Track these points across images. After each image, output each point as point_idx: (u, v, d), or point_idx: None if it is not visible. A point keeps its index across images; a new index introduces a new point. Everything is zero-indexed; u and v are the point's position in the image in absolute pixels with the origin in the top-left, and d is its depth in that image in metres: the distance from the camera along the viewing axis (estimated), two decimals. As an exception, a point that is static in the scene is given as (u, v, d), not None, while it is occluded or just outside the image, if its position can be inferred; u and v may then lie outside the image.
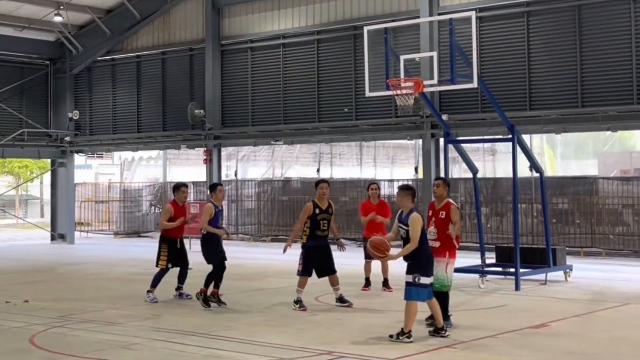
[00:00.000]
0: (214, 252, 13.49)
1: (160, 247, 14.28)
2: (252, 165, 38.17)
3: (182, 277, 14.37)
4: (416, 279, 10.17)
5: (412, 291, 10.19)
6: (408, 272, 10.27)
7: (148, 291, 14.12)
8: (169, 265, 14.18)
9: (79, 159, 34.14)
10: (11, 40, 28.94)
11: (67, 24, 28.88)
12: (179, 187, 14.58)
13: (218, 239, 13.62)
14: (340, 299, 13.23)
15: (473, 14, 16.11)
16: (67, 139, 30.12)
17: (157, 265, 14.26)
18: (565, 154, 34.69)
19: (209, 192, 15.21)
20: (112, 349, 10.05)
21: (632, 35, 19.55)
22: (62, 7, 27.72)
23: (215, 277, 13.35)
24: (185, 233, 26.12)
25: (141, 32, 28.94)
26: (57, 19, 28.18)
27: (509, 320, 11.91)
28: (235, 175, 31.54)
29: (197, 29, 27.49)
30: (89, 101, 30.44)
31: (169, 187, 32.95)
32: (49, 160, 32.86)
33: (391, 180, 28.08)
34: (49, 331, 11.28)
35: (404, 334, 10.12)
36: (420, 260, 10.27)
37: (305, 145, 33.20)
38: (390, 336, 10.20)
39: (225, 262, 13.55)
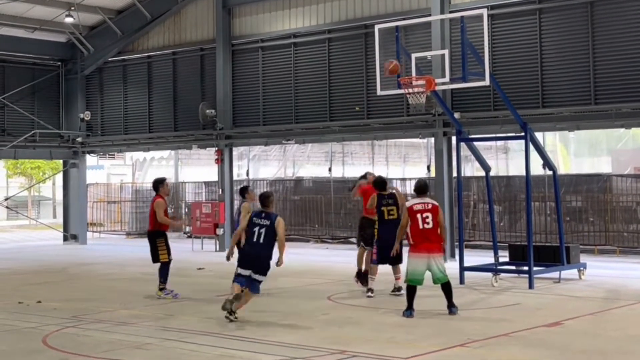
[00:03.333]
0: None
1: (156, 242, 14.43)
2: (263, 164, 38.18)
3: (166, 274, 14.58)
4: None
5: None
6: None
7: (163, 288, 14.24)
8: (171, 257, 14.50)
9: (90, 159, 34.19)
10: (22, 42, 29.02)
11: (78, 25, 28.93)
12: (164, 181, 14.82)
13: None
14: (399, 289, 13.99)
15: (485, 12, 16.06)
16: (79, 139, 30.18)
17: (159, 261, 14.43)
18: (578, 152, 34.49)
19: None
20: (125, 349, 10.05)
21: (645, 31, 19.41)
22: (73, 8, 27.74)
23: None
24: (199, 233, 26.24)
25: (152, 32, 28.95)
26: (68, 20, 28.21)
27: (523, 318, 11.86)
28: (247, 174, 31.54)
29: (207, 28, 27.47)
30: (101, 102, 30.49)
31: (181, 187, 33.04)
32: (61, 161, 32.94)
33: (403, 179, 28.02)
34: (61, 331, 11.29)
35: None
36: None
37: (317, 144, 33.11)
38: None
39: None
